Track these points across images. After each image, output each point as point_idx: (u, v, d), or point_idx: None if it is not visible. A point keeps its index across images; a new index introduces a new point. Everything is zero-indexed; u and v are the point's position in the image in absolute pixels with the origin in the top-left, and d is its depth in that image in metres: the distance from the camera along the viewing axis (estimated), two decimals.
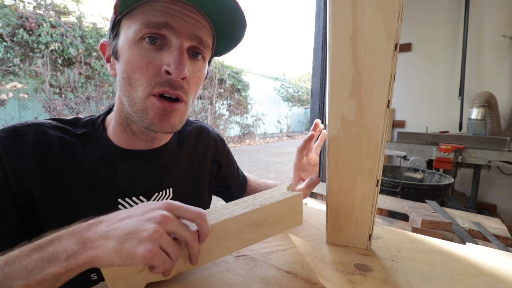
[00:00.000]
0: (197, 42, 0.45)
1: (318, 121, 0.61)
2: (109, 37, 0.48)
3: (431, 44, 2.53)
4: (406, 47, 2.63)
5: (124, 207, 0.49)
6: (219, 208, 0.41)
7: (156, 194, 0.53)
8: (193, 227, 0.35)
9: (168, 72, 0.43)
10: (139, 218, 0.31)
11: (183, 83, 0.45)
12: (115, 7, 0.42)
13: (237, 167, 0.78)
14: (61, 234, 0.30)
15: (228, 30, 0.50)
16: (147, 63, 0.43)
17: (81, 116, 0.54)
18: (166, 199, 0.55)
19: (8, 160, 0.41)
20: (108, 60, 0.49)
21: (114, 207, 0.48)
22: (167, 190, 0.55)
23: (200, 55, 0.48)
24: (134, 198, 0.50)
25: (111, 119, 0.52)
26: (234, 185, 0.75)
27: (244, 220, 0.40)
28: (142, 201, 0.51)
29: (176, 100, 0.46)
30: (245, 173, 0.82)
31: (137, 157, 0.52)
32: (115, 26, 0.46)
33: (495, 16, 2.27)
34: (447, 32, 2.46)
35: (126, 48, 0.44)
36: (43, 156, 0.44)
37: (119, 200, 0.49)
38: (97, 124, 0.52)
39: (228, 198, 0.76)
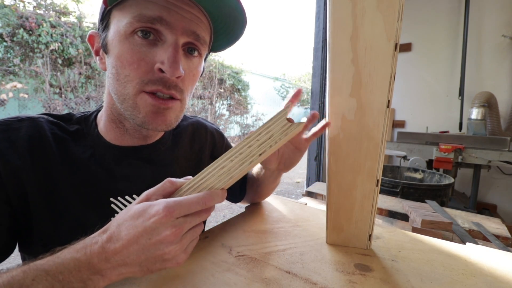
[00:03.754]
0: (193, 38, 0.43)
1: (316, 113, 0.47)
2: (98, 28, 0.45)
3: (431, 44, 2.53)
4: (406, 47, 2.63)
5: (117, 206, 0.47)
6: (213, 170, 0.36)
7: None
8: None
9: (161, 70, 0.41)
10: (148, 242, 0.30)
11: (178, 81, 0.43)
12: None
13: None
14: (67, 262, 0.29)
15: (227, 26, 0.48)
16: (139, 59, 0.40)
17: (74, 112, 0.52)
18: None
19: (0, 154, 0.40)
20: (97, 53, 0.46)
21: (106, 206, 0.46)
22: None
23: (196, 52, 0.46)
24: (127, 197, 0.48)
25: (101, 116, 0.50)
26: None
27: (245, 171, 0.36)
28: (135, 191, 0.49)
29: (170, 98, 0.44)
30: None
31: (130, 154, 0.50)
32: (105, 17, 0.43)
33: (495, 16, 2.27)
34: (447, 32, 2.46)
35: (117, 41, 0.41)
36: (36, 151, 0.43)
37: (111, 199, 0.47)
38: (90, 120, 0.50)
39: (229, 191, 0.73)
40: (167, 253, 0.31)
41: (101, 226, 0.33)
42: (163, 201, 0.31)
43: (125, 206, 0.47)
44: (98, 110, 0.53)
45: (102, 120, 0.50)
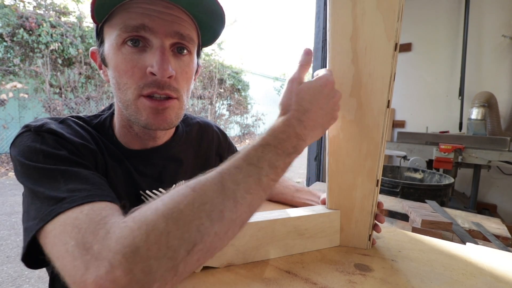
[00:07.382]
0: (178, 38, 0.46)
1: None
2: (97, 45, 0.50)
3: (431, 44, 2.53)
4: (406, 47, 2.63)
5: (145, 198, 0.53)
6: (265, 213, 0.46)
7: (174, 186, 0.57)
8: None
9: (153, 73, 0.44)
10: (328, 107, 0.40)
11: (171, 81, 0.46)
12: (92, 17, 0.44)
13: None
14: (280, 136, 0.37)
15: (207, 21, 0.50)
16: (132, 67, 0.44)
17: (89, 115, 0.55)
18: None
19: (82, 138, 0.45)
20: (100, 67, 0.51)
21: (136, 198, 0.52)
22: (181, 183, 0.58)
23: (185, 50, 0.48)
24: (154, 191, 0.54)
25: (115, 122, 0.54)
26: None
27: (289, 224, 0.45)
28: (159, 186, 0.55)
29: (166, 98, 0.46)
30: None
31: (147, 156, 0.54)
32: (99, 33, 0.48)
33: (495, 16, 2.27)
34: (447, 32, 2.46)
35: (112, 54, 0.45)
36: (96, 142, 0.48)
37: (141, 192, 0.52)
38: (105, 127, 0.53)
39: None
40: (336, 109, 0.41)
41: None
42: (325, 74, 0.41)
43: (151, 197, 0.54)
44: (111, 115, 0.54)
45: (116, 126, 0.53)
